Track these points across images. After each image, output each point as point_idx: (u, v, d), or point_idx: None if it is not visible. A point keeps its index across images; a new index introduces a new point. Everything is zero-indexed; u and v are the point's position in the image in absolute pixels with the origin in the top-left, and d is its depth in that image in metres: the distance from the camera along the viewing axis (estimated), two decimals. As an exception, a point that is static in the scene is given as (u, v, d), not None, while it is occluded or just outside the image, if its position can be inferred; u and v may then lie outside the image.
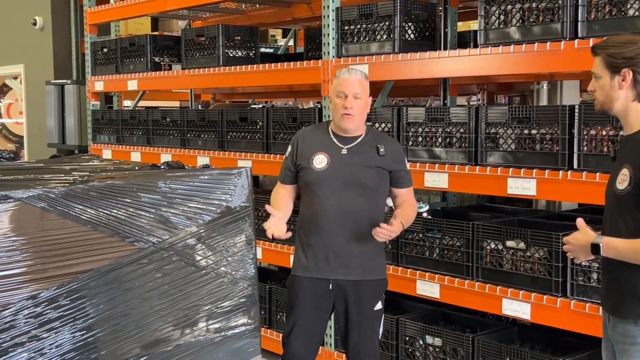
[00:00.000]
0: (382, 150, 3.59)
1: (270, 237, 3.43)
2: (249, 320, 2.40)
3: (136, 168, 2.55)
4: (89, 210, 2.18)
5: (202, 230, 2.38)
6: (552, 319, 3.65)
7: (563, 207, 4.72)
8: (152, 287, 2.26)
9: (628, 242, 2.58)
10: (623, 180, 2.66)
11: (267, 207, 3.49)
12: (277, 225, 3.43)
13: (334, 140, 3.63)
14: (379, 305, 3.65)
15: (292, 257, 4.91)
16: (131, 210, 2.23)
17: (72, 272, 2.21)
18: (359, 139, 3.63)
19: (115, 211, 2.20)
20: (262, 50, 9.26)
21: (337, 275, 3.56)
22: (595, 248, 2.64)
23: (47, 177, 2.46)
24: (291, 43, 8.34)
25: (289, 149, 3.73)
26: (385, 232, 3.41)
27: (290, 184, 3.72)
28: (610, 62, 2.67)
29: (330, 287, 3.58)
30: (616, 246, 2.61)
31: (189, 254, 2.35)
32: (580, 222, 2.76)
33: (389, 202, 3.85)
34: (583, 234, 2.72)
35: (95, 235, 2.18)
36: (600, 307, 2.91)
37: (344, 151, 3.59)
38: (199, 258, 2.38)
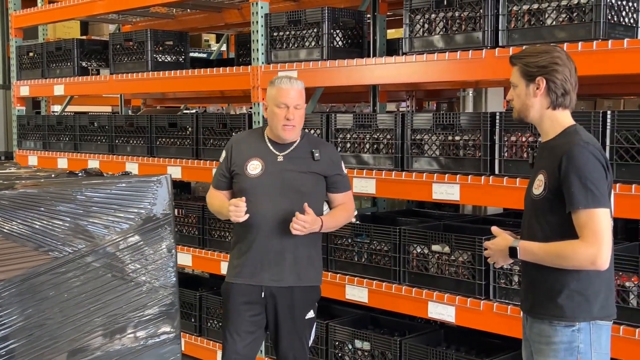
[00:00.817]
0: (317, 155, 3.57)
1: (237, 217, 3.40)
2: (170, 329, 2.37)
3: (53, 175, 2.50)
4: (0, 219, 2.12)
5: (120, 239, 2.33)
6: (476, 322, 3.73)
7: (489, 212, 4.83)
8: (68, 297, 2.21)
9: (542, 246, 2.67)
10: (539, 185, 2.75)
11: (234, 200, 3.42)
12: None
13: (270, 146, 3.60)
14: (310, 314, 3.63)
15: (223, 264, 4.90)
16: (45, 219, 2.18)
17: (-15, 282, 2.14)
18: (294, 145, 3.60)
19: (28, 220, 2.14)
20: (196, 55, 9.24)
21: (271, 282, 3.53)
22: (512, 251, 2.72)
23: (-40, 185, 2.38)
24: (224, 48, 8.33)
25: (223, 154, 3.69)
26: (299, 223, 3.38)
27: (225, 190, 3.67)
28: (526, 70, 2.76)
29: (262, 295, 3.55)
30: (532, 249, 2.69)
31: (106, 263, 2.30)
32: (494, 229, 2.85)
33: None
34: (501, 238, 2.80)
35: (7, 245, 2.11)
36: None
37: (280, 158, 3.57)
38: (117, 267, 2.33)
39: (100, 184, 2.24)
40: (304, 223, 3.40)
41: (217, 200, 3.65)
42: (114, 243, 2.31)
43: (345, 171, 3.72)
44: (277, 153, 3.59)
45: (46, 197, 2.15)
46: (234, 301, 3.57)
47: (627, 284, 3.26)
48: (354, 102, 6.49)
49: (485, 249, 2.89)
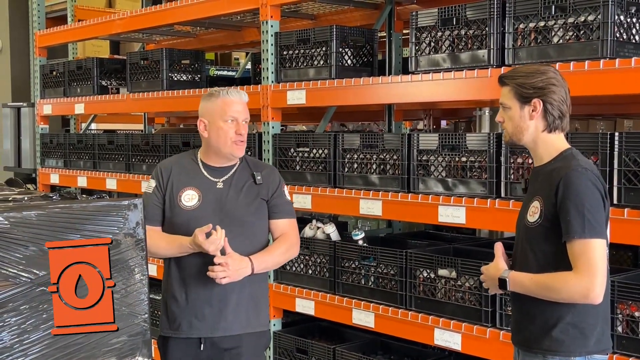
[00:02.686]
0: (258, 177, 3.19)
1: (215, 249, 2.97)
2: (144, 358, 2.30)
3: (25, 199, 2.47)
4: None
5: (87, 265, 2.28)
6: (482, 350, 3.59)
7: (505, 235, 4.67)
8: (30, 326, 2.15)
9: (533, 277, 2.53)
10: (534, 212, 2.62)
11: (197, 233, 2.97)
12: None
13: (205, 173, 3.19)
14: None
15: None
16: (3, 244, 2.12)
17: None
18: (234, 169, 3.22)
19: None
20: (224, 73, 9.24)
21: (214, 332, 3.10)
22: (502, 283, 2.59)
23: None
24: (249, 66, 8.31)
25: (153, 183, 3.24)
26: (219, 271, 2.96)
27: (161, 225, 3.19)
28: (521, 92, 2.64)
29: (202, 348, 3.10)
30: (522, 281, 2.56)
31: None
32: (497, 248, 2.69)
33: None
34: (494, 267, 2.67)
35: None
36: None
37: (220, 185, 3.17)
38: (84, 294, 2.28)
39: (68, 208, 2.19)
40: (224, 269, 2.95)
41: (164, 242, 3.11)
42: (81, 269, 2.25)
43: (289, 197, 3.33)
44: (214, 179, 3.18)
45: (4, 222, 2.11)
46: (172, 358, 3.17)
47: (636, 313, 3.09)
48: (372, 120, 6.41)
49: (482, 274, 2.77)
